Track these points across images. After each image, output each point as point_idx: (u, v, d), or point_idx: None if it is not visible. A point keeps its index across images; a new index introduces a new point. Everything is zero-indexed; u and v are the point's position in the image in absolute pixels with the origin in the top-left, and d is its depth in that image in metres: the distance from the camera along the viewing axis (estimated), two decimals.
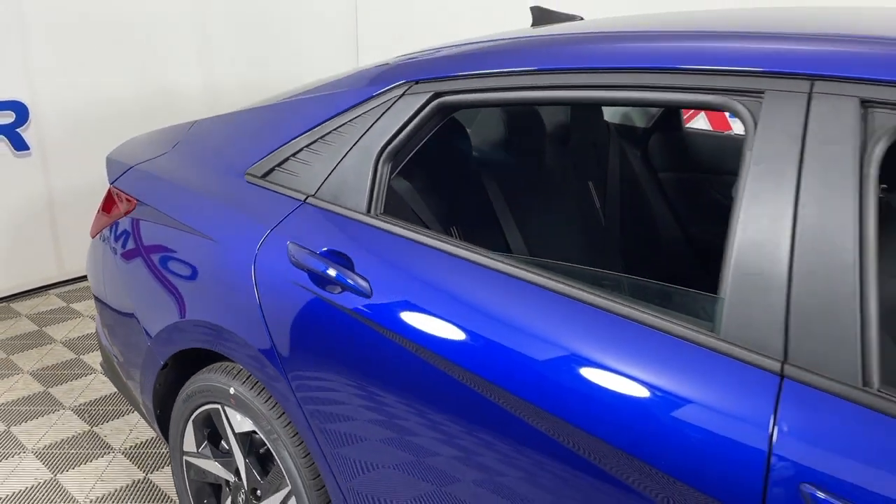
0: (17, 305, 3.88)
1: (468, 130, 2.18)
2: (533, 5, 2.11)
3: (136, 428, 2.80)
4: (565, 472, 1.21)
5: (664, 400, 1.11)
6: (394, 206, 1.69)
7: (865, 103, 1.06)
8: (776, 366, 1.05)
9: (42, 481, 2.49)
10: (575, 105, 2.23)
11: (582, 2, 3.00)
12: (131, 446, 2.69)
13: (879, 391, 0.98)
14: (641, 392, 1.13)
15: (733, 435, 1.05)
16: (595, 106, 2.37)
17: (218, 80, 4.53)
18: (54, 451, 2.65)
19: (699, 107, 1.25)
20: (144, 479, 2.51)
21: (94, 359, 3.30)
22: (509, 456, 1.28)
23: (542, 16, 2.03)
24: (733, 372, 1.08)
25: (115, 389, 2.65)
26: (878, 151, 1.04)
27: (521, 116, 2.23)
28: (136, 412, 2.51)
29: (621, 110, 2.70)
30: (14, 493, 2.42)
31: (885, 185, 1.78)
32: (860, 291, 1.01)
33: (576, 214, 2.31)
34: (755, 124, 1.14)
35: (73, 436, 2.76)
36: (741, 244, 1.11)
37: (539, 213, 2.22)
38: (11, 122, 3.81)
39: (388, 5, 5.01)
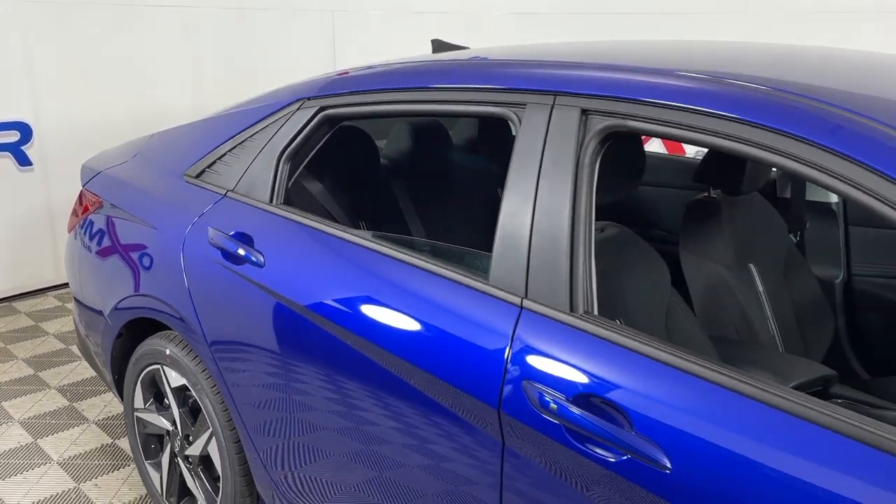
0: (17, 304, 4.32)
1: (383, 142, 2.61)
2: (434, 38, 2.54)
3: (109, 404, 3.20)
4: (399, 391, 1.60)
5: (452, 325, 1.50)
6: (299, 201, 2.10)
7: (584, 111, 1.45)
8: (518, 300, 1.44)
9: (23, 444, 2.89)
10: (413, 115, 2.59)
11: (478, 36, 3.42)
12: (104, 418, 3.09)
13: (581, 315, 1.37)
14: (436, 321, 1.52)
15: (487, 347, 1.43)
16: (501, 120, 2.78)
17: (206, 102, 4.98)
18: (37, 422, 3.06)
19: (493, 116, 1.65)
20: (112, 444, 2.91)
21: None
22: (361, 386, 1.67)
23: (440, 47, 2.46)
24: (493, 305, 1.47)
25: (95, 373, 3.05)
26: (591, 146, 1.43)
27: (429, 129, 2.64)
28: (110, 391, 2.91)
29: None
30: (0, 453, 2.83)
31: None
32: (570, 248, 1.40)
33: (482, 213, 2.70)
34: (519, 127, 1.54)
35: (55, 409, 3.17)
36: (504, 215, 1.50)
37: (443, 211, 2.62)
38: (17, 141, 4.28)
39: (362, 30, 5.46)
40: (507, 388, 1.39)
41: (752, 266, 2.26)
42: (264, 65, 5.13)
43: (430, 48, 2.43)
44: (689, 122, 1.33)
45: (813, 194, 2.56)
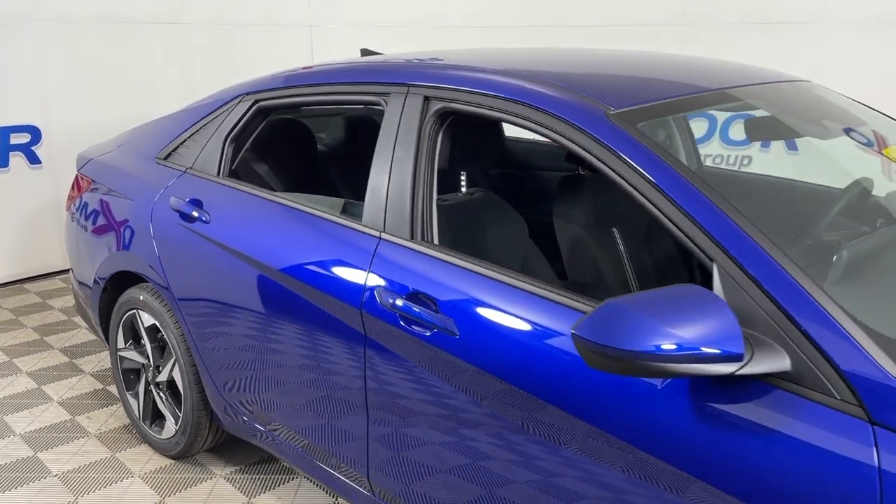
0: (27, 285, 4.90)
1: (322, 133, 3.17)
2: (362, 48, 3.10)
3: (102, 361, 3.76)
4: (302, 308, 2.15)
5: (336, 254, 2.05)
6: (249, 178, 2.66)
7: (426, 98, 2.01)
8: (378, 233, 1.99)
9: (29, 389, 3.46)
10: (320, 104, 3.08)
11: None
12: (97, 370, 3.65)
13: (419, 242, 1.91)
14: (327, 253, 2.07)
15: (356, 266, 1.98)
16: None
17: None
18: (41, 374, 3.63)
19: (371, 104, 2.20)
20: (103, 388, 3.46)
21: (81, 320, 4.29)
22: (279, 310, 2.21)
23: (366, 53, 3.02)
24: (362, 238, 2.02)
25: (88, 327, 3.60)
26: (430, 122, 1.98)
27: (359, 123, 3.20)
28: (104, 347, 3.46)
29: None
30: (5, 396, 3.39)
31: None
32: (411, 197, 1.94)
33: None
34: (385, 109, 2.09)
35: (57, 364, 3.73)
36: (372, 174, 2.06)
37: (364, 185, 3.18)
38: (28, 142, 4.88)
39: (337, 44, 6.03)
40: (366, 294, 1.94)
41: (614, 230, 2.80)
42: (247, 75, 5.70)
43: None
44: (485, 103, 1.88)
45: None
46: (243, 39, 5.66)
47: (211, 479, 2.78)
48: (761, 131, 2.46)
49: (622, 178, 1.60)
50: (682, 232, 1.49)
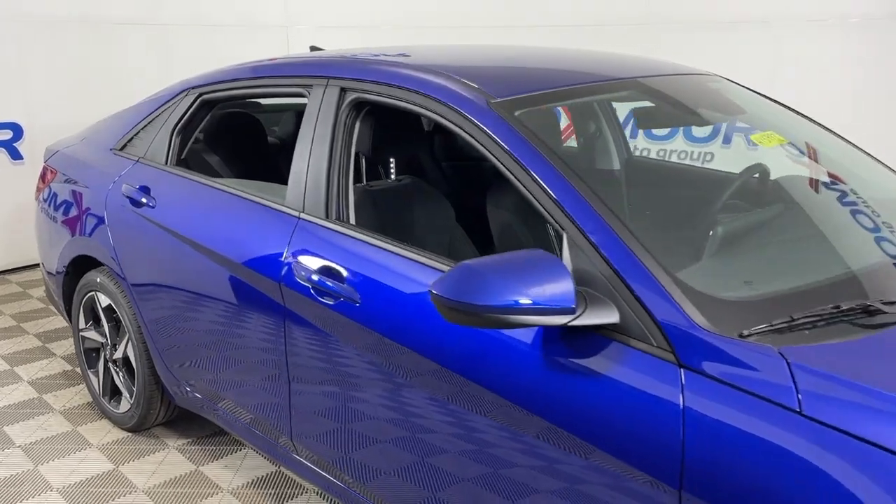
0: (9, 276, 5.10)
1: (275, 127, 3.35)
2: (311, 45, 3.29)
3: (72, 346, 3.95)
4: (232, 283, 2.33)
5: (262, 233, 2.23)
6: (200, 168, 2.85)
7: (342, 89, 2.19)
8: (297, 213, 2.18)
9: (3, 370, 3.65)
10: (257, 97, 3.30)
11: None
12: (68, 354, 3.84)
13: (333, 220, 2.10)
14: (254, 233, 2.26)
15: (277, 243, 2.17)
16: None
17: None
18: (15, 356, 3.82)
19: (297, 95, 2.38)
20: (71, 370, 3.66)
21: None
22: (213, 285, 2.39)
23: (314, 49, 3.20)
24: (283, 218, 2.20)
25: (57, 311, 3.79)
26: (346, 111, 2.17)
27: None
28: (71, 330, 3.64)
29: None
30: None
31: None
32: (327, 180, 2.13)
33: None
34: (308, 100, 2.28)
35: (31, 348, 3.93)
36: (294, 158, 2.24)
37: None
38: (10, 139, 5.08)
39: (313, 42, 6.22)
40: (285, 269, 2.13)
41: None
42: None
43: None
44: (389, 93, 2.07)
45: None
46: (220, 40, 5.84)
47: (164, 449, 2.97)
48: (646, 120, 2.63)
49: (498, 160, 1.78)
50: (542, 206, 1.67)
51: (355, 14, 6.15)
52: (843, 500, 1.20)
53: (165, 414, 3.00)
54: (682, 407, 1.39)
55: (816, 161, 2.29)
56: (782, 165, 2.28)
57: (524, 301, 1.44)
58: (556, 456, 1.56)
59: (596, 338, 1.52)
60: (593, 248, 1.56)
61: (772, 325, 1.44)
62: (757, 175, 2.47)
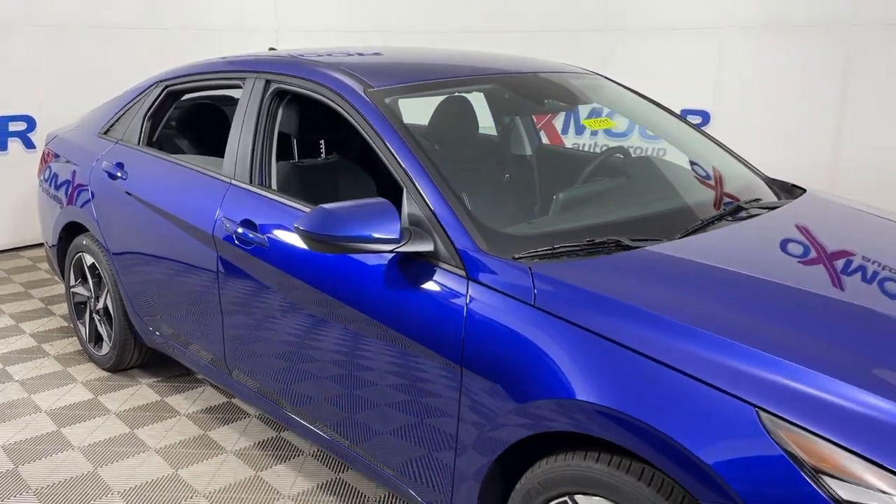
0: (22, 252, 5.73)
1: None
2: (270, 47, 3.85)
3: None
4: (182, 240, 2.89)
5: (203, 197, 2.79)
6: (167, 145, 3.42)
7: (267, 81, 2.75)
8: (229, 180, 2.73)
9: (7, 325, 4.25)
10: (208, 88, 3.71)
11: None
12: (66, 313, 4.43)
13: (256, 185, 2.65)
14: (200, 198, 2.82)
15: (211, 203, 2.72)
16: None
17: None
18: (21, 314, 4.41)
19: (236, 86, 2.93)
20: (67, 325, 4.24)
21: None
22: (171, 245, 2.94)
23: (272, 50, 3.77)
24: (217, 183, 2.76)
25: (55, 274, 4.37)
26: (270, 99, 2.72)
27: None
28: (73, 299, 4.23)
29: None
30: None
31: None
32: (251, 153, 2.68)
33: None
34: (242, 90, 2.83)
35: (35, 309, 4.52)
36: (230, 137, 2.79)
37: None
38: (24, 129, 5.71)
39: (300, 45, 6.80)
40: (217, 223, 2.69)
41: None
42: None
43: None
44: (296, 83, 2.61)
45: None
46: (214, 42, 6.43)
47: (136, 385, 3.54)
48: (500, 109, 3.12)
49: (367, 135, 2.32)
50: (393, 169, 2.20)
51: (339, 19, 6.73)
52: (560, 363, 1.72)
53: (139, 356, 3.57)
54: (465, 307, 1.92)
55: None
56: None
57: (364, 233, 1.97)
58: (389, 348, 2.09)
59: (419, 262, 2.05)
60: (422, 199, 2.09)
61: (536, 251, 1.96)
62: (620, 155, 3.00)
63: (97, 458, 2.92)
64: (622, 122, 2.85)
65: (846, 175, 5.40)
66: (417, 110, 2.67)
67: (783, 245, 2.19)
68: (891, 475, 1.36)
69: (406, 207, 2.12)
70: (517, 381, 1.79)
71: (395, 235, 1.99)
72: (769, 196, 2.67)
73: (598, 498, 1.68)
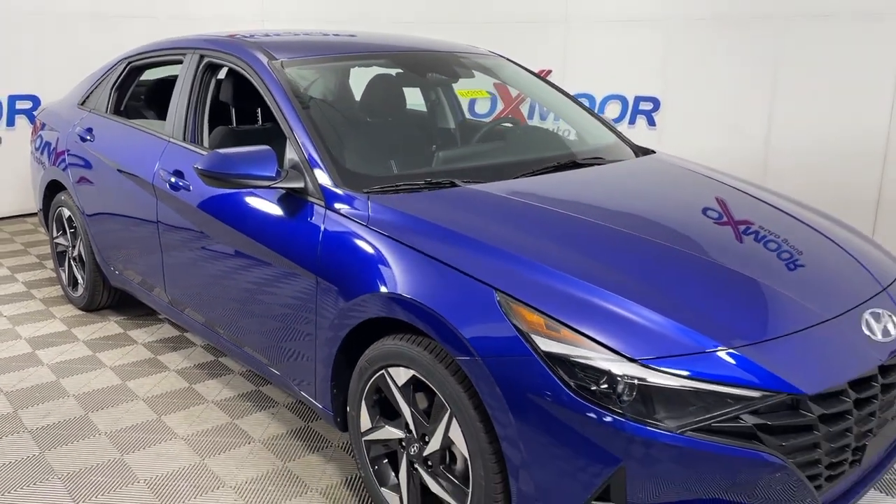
0: (27, 219, 6.36)
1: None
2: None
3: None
4: (132, 190, 3.45)
5: (150, 155, 3.34)
6: (135, 113, 3.98)
7: (201, 56, 3.28)
8: (168, 138, 3.28)
9: (4, 275, 4.85)
10: (161, 64, 4.19)
11: None
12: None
13: (183, 142, 3.19)
14: (149, 155, 3.37)
15: (154, 158, 3.27)
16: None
17: None
18: (18, 268, 5.02)
19: (179, 61, 3.46)
20: (53, 276, 4.83)
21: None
22: (128, 193, 3.50)
23: None
24: (159, 142, 3.30)
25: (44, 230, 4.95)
26: (204, 72, 3.25)
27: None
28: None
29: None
30: None
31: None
32: (185, 115, 3.22)
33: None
34: (186, 65, 3.36)
35: (30, 263, 5.12)
36: (171, 103, 3.33)
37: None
38: (30, 108, 6.32)
39: None
40: (156, 174, 3.23)
41: None
42: None
43: None
44: (218, 56, 3.14)
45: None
46: (202, 31, 6.99)
47: (105, 321, 4.11)
48: (388, 81, 3.60)
49: (266, 98, 2.84)
50: (282, 124, 2.72)
51: (326, 9, 7.27)
52: (379, 267, 2.23)
53: (108, 297, 4.13)
54: (321, 229, 2.43)
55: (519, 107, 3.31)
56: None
57: (248, 171, 2.50)
58: (274, 268, 2.61)
59: (294, 197, 2.57)
60: (299, 147, 2.61)
61: (384, 188, 2.47)
62: (510, 124, 3.50)
63: (61, 372, 3.48)
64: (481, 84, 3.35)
65: (778, 156, 5.82)
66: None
67: (582, 187, 2.69)
68: (578, 334, 1.85)
69: (287, 154, 2.65)
70: (351, 283, 2.31)
71: (272, 174, 2.51)
72: (620, 156, 3.14)
73: (402, 368, 2.19)
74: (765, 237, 2.42)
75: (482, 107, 6.27)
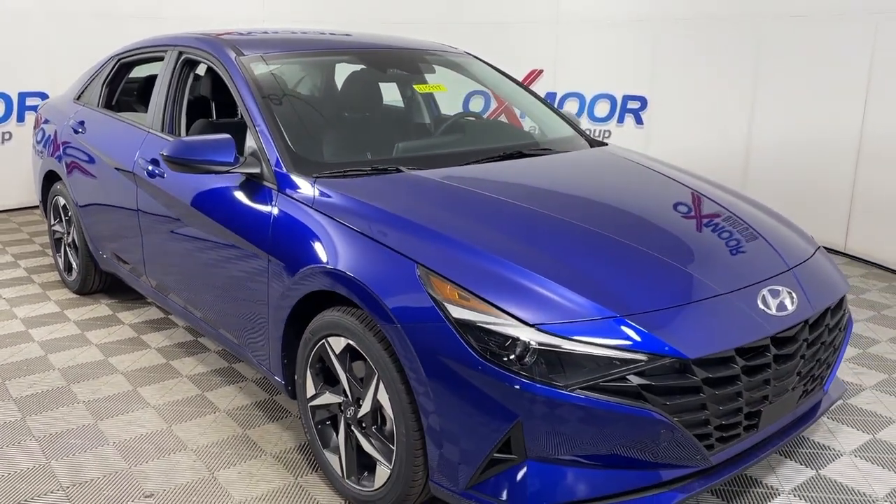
0: (36, 211, 6.64)
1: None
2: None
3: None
4: (117, 179, 3.68)
5: (132, 144, 3.57)
6: (121, 106, 4.22)
7: (180, 52, 3.51)
8: (147, 129, 3.50)
9: (8, 262, 5.12)
10: (146, 61, 4.44)
11: None
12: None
13: (166, 133, 3.41)
14: (131, 146, 3.60)
15: (132, 148, 3.50)
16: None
17: None
18: (21, 255, 5.28)
19: (160, 58, 3.69)
20: (52, 264, 5.09)
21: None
22: (116, 180, 3.73)
23: None
24: (140, 133, 3.53)
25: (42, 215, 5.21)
26: (182, 68, 3.47)
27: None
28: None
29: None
30: None
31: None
32: (164, 103, 3.45)
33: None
34: (166, 61, 3.59)
35: (34, 251, 5.39)
36: (153, 95, 3.56)
37: None
38: (39, 104, 6.60)
39: None
40: (136, 163, 3.45)
41: None
42: None
43: None
44: (192, 52, 3.36)
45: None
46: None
47: (96, 304, 4.35)
48: (358, 78, 3.80)
49: (232, 90, 3.05)
50: (242, 113, 2.93)
51: (326, 14, 7.50)
52: (320, 244, 2.42)
53: (100, 281, 4.37)
54: (273, 211, 2.64)
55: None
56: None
57: (208, 157, 2.70)
58: (235, 248, 2.81)
59: (252, 182, 2.78)
60: (257, 135, 2.82)
61: (333, 173, 2.67)
62: (473, 118, 3.69)
63: (49, 348, 3.72)
64: (450, 87, 3.53)
65: (758, 153, 5.94)
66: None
67: (518, 174, 2.88)
68: (486, 303, 2.03)
69: (247, 142, 2.86)
70: (295, 259, 2.51)
71: (231, 160, 2.71)
72: (572, 148, 3.31)
73: (340, 337, 2.38)
74: (680, 220, 2.59)
75: (476, 105, 6.46)
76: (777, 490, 2.57)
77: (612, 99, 6.92)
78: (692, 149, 6.35)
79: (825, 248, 2.96)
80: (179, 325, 4.02)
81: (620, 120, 6.96)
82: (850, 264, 5.21)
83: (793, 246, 2.60)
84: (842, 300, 2.55)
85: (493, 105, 5.89)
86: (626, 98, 6.85)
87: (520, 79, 6.28)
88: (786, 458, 2.76)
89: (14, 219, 6.37)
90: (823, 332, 2.39)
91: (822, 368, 2.46)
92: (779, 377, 2.20)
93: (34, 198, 6.68)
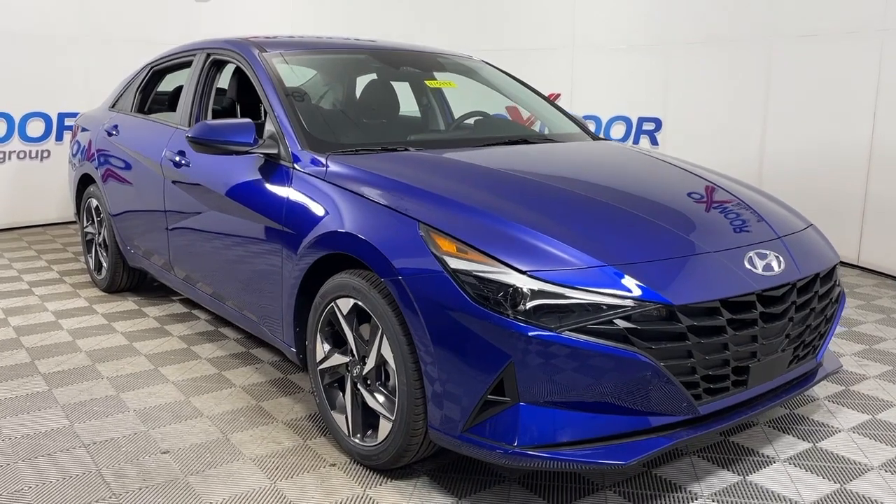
0: (72, 226, 6.91)
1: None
2: None
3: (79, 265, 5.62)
4: (144, 170, 3.89)
5: (157, 139, 3.78)
6: (152, 111, 4.46)
7: (208, 54, 3.73)
8: (176, 125, 3.71)
9: (41, 266, 5.35)
10: (177, 68, 4.67)
11: None
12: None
13: (181, 125, 3.63)
14: (155, 142, 3.82)
15: (162, 144, 3.71)
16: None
17: None
18: (55, 260, 5.52)
19: (189, 63, 3.92)
20: (84, 266, 5.30)
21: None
22: (144, 174, 3.94)
23: None
24: (169, 130, 3.74)
25: (82, 258, 5.45)
26: (210, 68, 3.70)
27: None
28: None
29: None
30: (31, 268, 5.29)
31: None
32: (191, 104, 3.66)
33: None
34: (195, 63, 3.82)
35: (66, 257, 5.62)
36: (181, 96, 3.79)
37: None
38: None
39: None
40: (163, 155, 3.66)
41: None
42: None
43: None
44: (219, 53, 3.59)
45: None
46: None
47: (123, 300, 4.53)
48: (371, 69, 3.98)
49: (254, 83, 3.25)
50: (263, 102, 3.12)
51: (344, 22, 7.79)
52: (332, 211, 2.58)
53: (128, 279, 4.56)
54: (289, 186, 2.81)
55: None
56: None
57: (229, 138, 2.89)
58: (255, 223, 2.97)
59: (271, 162, 2.96)
60: (275, 119, 3.01)
61: (344, 151, 2.84)
62: (481, 117, 3.86)
63: (77, 334, 3.89)
64: (460, 83, 3.73)
65: (770, 169, 6.03)
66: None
67: (518, 155, 3.03)
68: (483, 254, 2.16)
69: (266, 126, 3.04)
70: (308, 226, 2.66)
71: (250, 141, 2.90)
72: (574, 140, 3.46)
73: (348, 298, 2.51)
74: (672, 191, 2.71)
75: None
76: (773, 458, 2.63)
77: (628, 121, 7.07)
78: (707, 165, 6.46)
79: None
80: (201, 318, 4.18)
81: (636, 141, 7.10)
82: (863, 275, 5.25)
83: (784, 219, 2.70)
84: (833, 272, 2.63)
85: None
86: (642, 120, 7.00)
87: None
88: (783, 432, 2.82)
89: (50, 232, 6.64)
90: (813, 298, 2.47)
91: (813, 336, 2.54)
92: (766, 336, 2.29)
93: (70, 213, 6.97)
